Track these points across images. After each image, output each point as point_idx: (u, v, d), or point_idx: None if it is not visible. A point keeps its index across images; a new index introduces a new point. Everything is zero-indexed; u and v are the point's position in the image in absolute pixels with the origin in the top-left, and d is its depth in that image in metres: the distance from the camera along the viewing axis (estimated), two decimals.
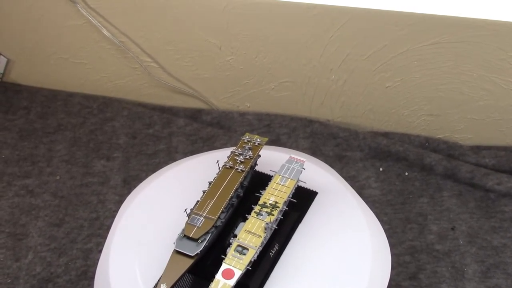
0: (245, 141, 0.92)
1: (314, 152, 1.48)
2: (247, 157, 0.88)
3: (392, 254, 0.91)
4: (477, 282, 1.17)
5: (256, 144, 0.91)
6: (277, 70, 1.48)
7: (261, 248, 0.77)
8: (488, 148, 1.46)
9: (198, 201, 0.82)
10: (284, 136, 1.52)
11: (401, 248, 1.24)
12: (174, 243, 0.76)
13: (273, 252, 0.81)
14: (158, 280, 0.77)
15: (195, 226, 0.77)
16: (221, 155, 0.92)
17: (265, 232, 0.77)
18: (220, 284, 0.71)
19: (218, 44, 1.47)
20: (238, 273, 0.72)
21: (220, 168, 0.87)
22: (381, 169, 1.43)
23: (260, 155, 0.91)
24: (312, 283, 0.79)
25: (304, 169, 0.88)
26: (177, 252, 0.75)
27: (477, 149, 1.46)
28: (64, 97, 1.67)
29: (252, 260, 0.75)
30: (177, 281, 0.72)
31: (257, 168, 0.94)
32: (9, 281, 1.19)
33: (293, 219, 0.86)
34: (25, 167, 1.45)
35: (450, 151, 1.46)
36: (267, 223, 0.78)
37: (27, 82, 1.73)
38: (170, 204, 0.90)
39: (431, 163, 1.41)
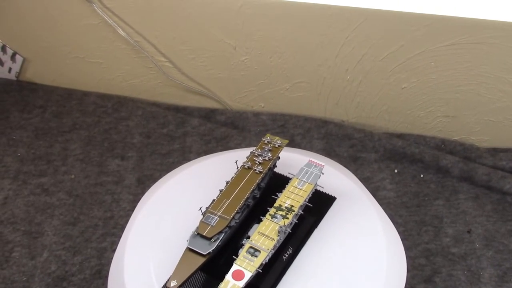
0: (266, 142, 0.91)
1: (329, 153, 1.47)
2: (266, 158, 0.88)
3: (407, 257, 0.90)
4: (493, 286, 1.16)
5: (276, 146, 0.91)
6: (292, 70, 1.48)
7: (273, 251, 0.76)
8: (505, 150, 1.44)
9: (214, 200, 0.82)
10: (298, 137, 1.52)
11: (416, 251, 1.23)
12: (187, 241, 0.76)
13: (287, 255, 0.81)
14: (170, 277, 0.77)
15: (209, 225, 0.77)
16: (235, 156, 0.92)
17: (278, 235, 0.77)
18: (230, 285, 0.71)
19: (233, 44, 1.47)
20: (248, 275, 0.72)
21: (239, 168, 0.87)
22: (396, 170, 1.42)
23: (279, 157, 0.90)
24: (327, 287, 0.79)
25: (323, 174, 0.87)
26: (189, 249, 0.75)
27: (494, 151, 1.44)
28: (79, 96, 1.68)
29: (263, 262, 0.74)
30: (187, 278, 0.72)
31: (277, 169, 0.93)
32: (24, 279, 1.19)
33: (309, 223, 0.86)
34: (40, 165, 1.46)
35: (467, 153, 1.44)
36: (280, 226, 0.77)
37: (42, 81, 1.74)
38: (184, 204, 0.90)
39: (447, 165, 1.40)
